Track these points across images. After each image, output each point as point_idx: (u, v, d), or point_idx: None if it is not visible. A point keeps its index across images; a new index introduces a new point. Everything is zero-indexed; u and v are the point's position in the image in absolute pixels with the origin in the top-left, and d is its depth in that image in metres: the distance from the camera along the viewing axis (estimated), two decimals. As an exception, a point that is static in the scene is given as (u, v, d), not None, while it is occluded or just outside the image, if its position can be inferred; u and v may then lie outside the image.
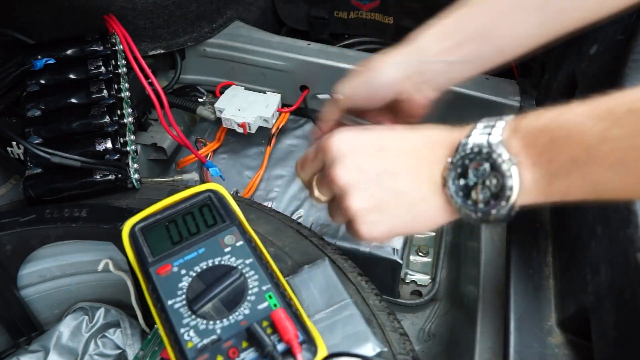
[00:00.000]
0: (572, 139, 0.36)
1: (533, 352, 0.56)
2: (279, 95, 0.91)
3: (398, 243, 0.78)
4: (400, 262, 0.77)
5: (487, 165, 0.39)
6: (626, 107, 0.34)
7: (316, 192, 0.49)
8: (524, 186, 0.38)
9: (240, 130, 0.88)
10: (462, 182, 0.40)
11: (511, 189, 0.38)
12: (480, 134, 0.40)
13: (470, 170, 0.40)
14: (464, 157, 0.40)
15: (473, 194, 0.40)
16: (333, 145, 0.45)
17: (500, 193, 0.39)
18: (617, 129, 0.34)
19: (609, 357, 0.47)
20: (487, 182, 0.39)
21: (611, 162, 0.34)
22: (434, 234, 0.97)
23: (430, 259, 0.93)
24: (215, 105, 0.89)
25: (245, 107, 0.89)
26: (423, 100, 0.57)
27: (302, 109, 0.94)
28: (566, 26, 0.52)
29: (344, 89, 0.57)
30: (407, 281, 0.91)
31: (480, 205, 0.40)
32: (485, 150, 0.39)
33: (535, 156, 0.38)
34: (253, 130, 0.88)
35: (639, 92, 0.34)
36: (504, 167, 0.38)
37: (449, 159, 0.41)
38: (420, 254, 0.93)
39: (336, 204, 0.46)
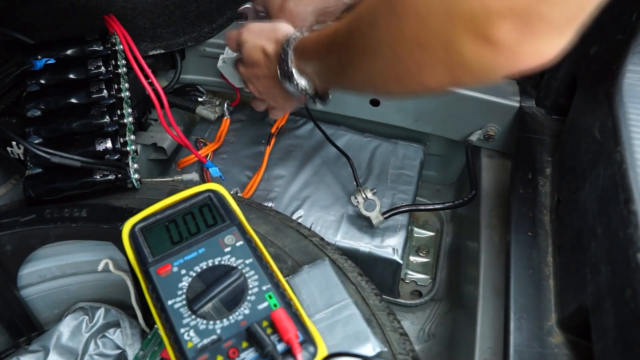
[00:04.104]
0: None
1: (533, 352, 0.56)
2: None
3: (398, 243, 0.78)
4: (400, 262, 0.78)
5: (292, 81, 0.62)
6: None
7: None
8: (315, 86, 0.63)
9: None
10: (289, 89, 0.63)
11: (306, 92, 0.63)
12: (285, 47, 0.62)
13: (284, 73, 0.62)
14: (282, 78, 0.63)
15: (295, 93, 0.64)
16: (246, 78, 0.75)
17: (303, 94, 0.63)
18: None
19: (609, 357, 0.47)
20: (296, 87, 0.62)
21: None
22: (433, 233, 0.97)
23: (430, 259, 0.93)
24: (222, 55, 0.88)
25: None
26: None
27: (302, 109, 0.94)
28: None
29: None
30: (407, 281, 0.91)
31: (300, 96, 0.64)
32: (289, 74, 0.62)
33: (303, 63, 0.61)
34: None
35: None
36: (297, 80, 0.62)
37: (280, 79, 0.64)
38: (420, 254, 0.94)
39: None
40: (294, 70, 0.61)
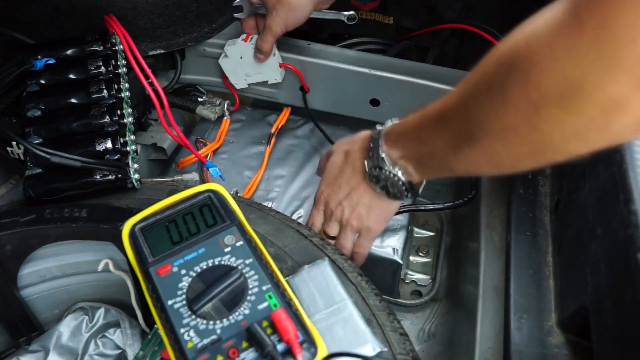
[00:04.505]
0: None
1: (533, 352, 0.56)
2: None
3: (398, 243, 0.78)
4: (400, 262, 0.77)
5: (383, 172, 0.56)
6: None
7: (330, 233, 0.66)
8: (409, 176, 0.56)
9: (242, 42, 0.87)
10: (378, 186, 0.58)
11: (401, 183, 0.56)
12: (371, 149, 0.57)
13: (375, 178, 0.58)
14: (371, 170, 0.58)
15: (388, 191, 0.58)
16: (321, 199, 0.65)
17: (396, 188, 0.57)
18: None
19: (609, 357, 0.47)
20: (387, 178, 0.56)
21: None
22: (433, 233, 0.97)
23: (430, 259, 0.93)
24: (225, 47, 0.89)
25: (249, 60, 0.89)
26: None
27: (302, 109, 0.94)
28: None
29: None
30: (407, 281, 0.91)
31: (392, 191, 0.58)
32: (379, 164, 0.56)
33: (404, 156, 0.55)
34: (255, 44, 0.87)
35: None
36: (390, 169, 0.56)
37: (367, 174, 0.59)
38: (420, 254, 0.93)
39: (343, 229, 0.65)
40: (385, 158, 0.55)
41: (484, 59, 0.42)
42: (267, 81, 0.91)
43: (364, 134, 0.60)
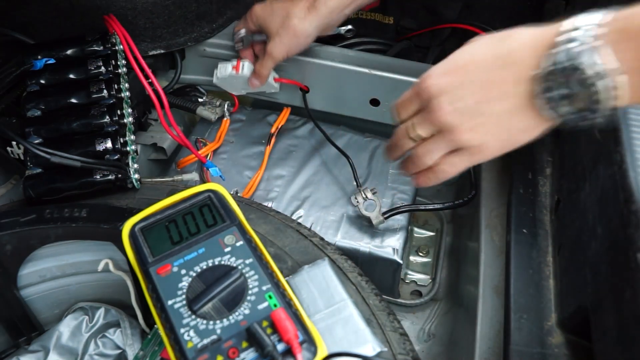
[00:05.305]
0: None
1: (533, 352, 0.56)
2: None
3: (398, 243, 0.78)
4: (400, 262, 0.78)
5: (579, 73, 0.38)
6: None
7: (418, 130, 0.49)
8: (616, 93, 0.38)
9: (233, 72, 0.87)
10: (550, 94, 0.40)
11: (607, 97, 0.38)
12: (565, 43, 0.39)
13: (558, 83, 0.39)
14: (550, 72, 0.40)
15: (563, 106, 0.40)
16: (428, 87, 0.47)
17: (590, 105, 0.39)
18: None
19: (609, 357, 0.47)
20: (582, 84, 0.39)
21: None
22: (433, 233, 0.97)
23: (430, 259, 0.93)
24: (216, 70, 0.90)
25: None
26: None
27: (302, 109, 0.94)
28: None
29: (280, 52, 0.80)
30: (407, 281, 0.91)
31: (573, 116, 0.41)
32: (572, 63, 0.38)
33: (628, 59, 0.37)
34: (247, 73, 0.87)
35: None
36: (597, 74, 0.38)
37: (534, 72, 0.41)
38: (420, 254, 0.94)
39: (440, 134, 0.48)
40: (597, 59, 0.37)
41: None
42: (264, 91, 0.92)
43: (537, 27, 0.42)
